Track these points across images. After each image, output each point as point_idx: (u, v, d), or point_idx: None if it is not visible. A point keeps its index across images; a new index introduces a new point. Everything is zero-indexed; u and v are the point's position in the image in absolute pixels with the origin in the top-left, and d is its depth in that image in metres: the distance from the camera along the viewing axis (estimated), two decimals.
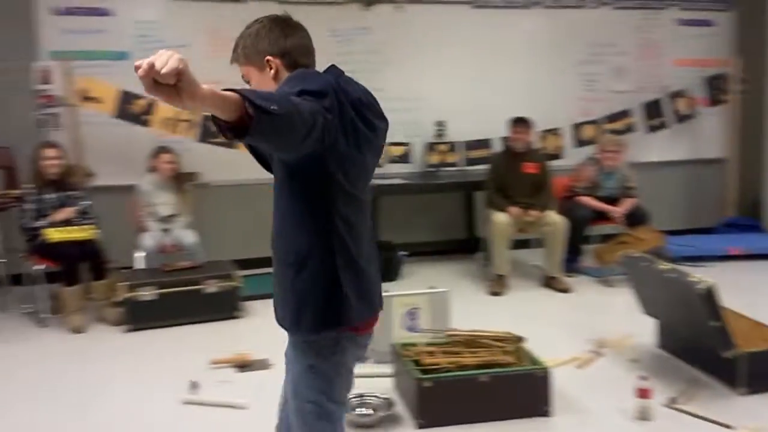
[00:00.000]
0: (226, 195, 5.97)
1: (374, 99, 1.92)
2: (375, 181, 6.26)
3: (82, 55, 5.45)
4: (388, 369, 3.64)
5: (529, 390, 3.21)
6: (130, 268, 5.01)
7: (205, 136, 5.38)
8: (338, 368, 1.87)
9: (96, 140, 5.47)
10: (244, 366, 3.88)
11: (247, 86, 1.89)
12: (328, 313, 1.79)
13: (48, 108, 5.48)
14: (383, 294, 2.01)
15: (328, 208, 1.77)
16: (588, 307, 4.97)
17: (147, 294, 4.58)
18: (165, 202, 5.19)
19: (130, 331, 4.54)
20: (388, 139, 5.33)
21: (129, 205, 5.30)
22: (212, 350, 4.07)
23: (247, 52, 1.88)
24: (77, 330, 4.55)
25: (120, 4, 5.57)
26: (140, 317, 4.56)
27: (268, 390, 3.53)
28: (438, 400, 3.12)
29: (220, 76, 6.09)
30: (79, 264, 4.67)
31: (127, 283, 4.57)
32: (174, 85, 1.30)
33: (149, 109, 5.24)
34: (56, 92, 5.43)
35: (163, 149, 5.18)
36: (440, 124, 6.22)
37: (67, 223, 4.74)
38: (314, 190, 1.77)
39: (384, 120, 1.95)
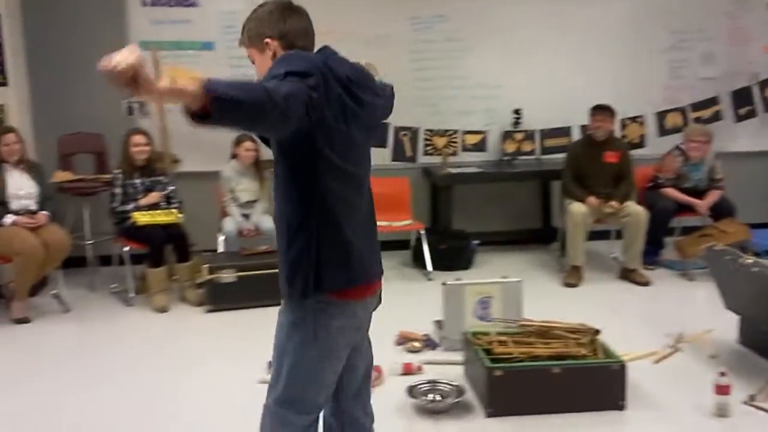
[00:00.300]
0: None
1: (365, 75, 2.01)
2: (450, 170, 6.19)
3: (169, 45, 5.68)
4: (458, 357, 3.66)
5: (603, 383, 3.16)
6: (213, 251, 5.19)
7: None
8: (319, 332, 1.95)
9: (181, 128, 5.65)
10: None
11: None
12: (315, 279, 1.90)
13: (140, 97, 5.72)
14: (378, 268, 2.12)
15: (317, 182, 1.88)
16: (667, 300, 4.83)
17: (227, 276, 4.74)
18: (245, 188, 5.34)
19: (210, 311, 4.72)
20: (464, 127, 5.37)
21: (212, 190, 5.50)
22: None
23: (250, 34, 1.99)
24: (161, 310, 4.76)
25: None
26: (220, 298, 4.73)
27: None
28: (508, 389, 3.11)
29: None
30: (164, 246, 4.88)
31: (209, 265, 4.74)
32: (133, 80, 1.47)
33: None
34: None
35: (244, 137, 5.33)
36: (517, 112, 6.15)
37: (153, 207, 4.96)
38: (304, 165, 1.87)
39: (380, 96, 2.06)
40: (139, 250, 4.93)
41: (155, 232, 4.81)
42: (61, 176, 5.25)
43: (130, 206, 4.89)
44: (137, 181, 4.96)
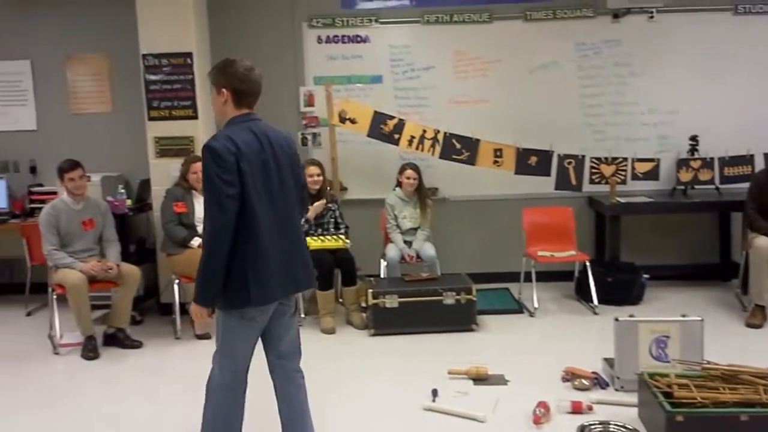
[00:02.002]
0: (464, 209, 6.12)
1: (256, 135, 2.68)
2: (618, 199, 5.93)
3: (341, 80, 5.98)
4: (632, 398, 3.47)
5: None
6: (376, 276, 5.33)
7: (447, 154, 5.57)
8: None
9: (350, 157, 5.94)
10: (480, 379, 3.94)
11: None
12: None
13: (311, 128, 6.06)
14: None
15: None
16: None
17: (390, 302, 4.84)
18: (408, 215, 5.46)
19: (374, 335, 4.83)
20: (633, 155, 5.05)
21: (376, 217, 5.67)
22: (449, 360, 4.18)
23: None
24: (329, 331, 4.95)
25: (376, 30, 5.99)
26: (383, 323, 4.84)
27: (505, 405, 3.58)
28: None
29: (463, 93, 6.34)
30: (333, 270, 5.08)
31: (373, 290, 4.87)
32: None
33: (398, 129, 5.56)
34: (318, 114, 6.00)
35: (407, 166, 5.46)
36: (694, 139, 5.80)
37: (323, 232, 5.19)
38: None
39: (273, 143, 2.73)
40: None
41: (325, 256, 5.02)
42: None
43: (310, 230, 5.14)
44: (309, 207, 5.21)
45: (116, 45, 5.92)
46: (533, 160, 5.60)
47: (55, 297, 4.77)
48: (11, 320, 5.49)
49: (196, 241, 4.89)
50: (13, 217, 5.77)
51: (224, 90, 2.67)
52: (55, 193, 5.22)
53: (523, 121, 5.96)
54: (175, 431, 3.44)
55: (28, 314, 5.62)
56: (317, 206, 5.16)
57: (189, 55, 5.25)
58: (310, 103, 6.05)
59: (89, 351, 4.56)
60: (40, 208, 5.00)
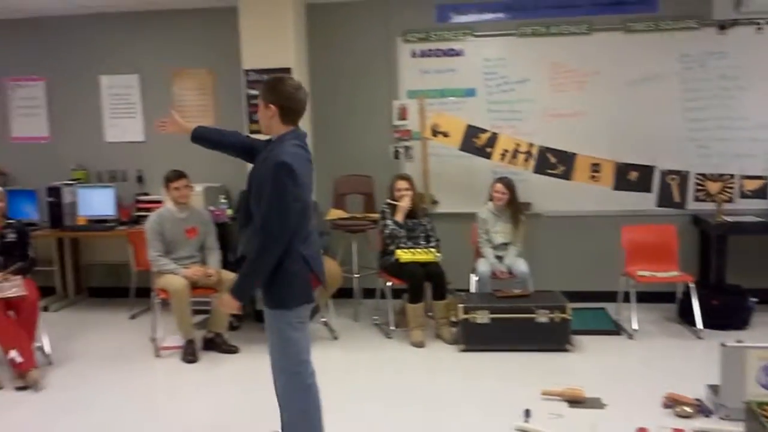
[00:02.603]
0: (559, 225, 5.98)
1: (304, 150, 2.92)
2: (725, 218, 5.68)
3: (434, 93, 5.99)
4: (738, 427, 3.28)
5: None
6: (467, 290, 5.29)
7: (541, 168, 5.46)
8: None
9: (441, 171, 5.94)
10: (576, 402, 3.82)
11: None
12: None
13: (403, 141, 6.10)
14: None
15: None
16: None
17: (481, 317, 4.78)
18: (500, 230, 5.39)
19: (464, 350, 4.79)
20: (741, 172, 4.84)
21: (466, 231, 5.63)
22: (542, 381, 4.09)
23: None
24: (418, 345, 4.94)
25: (470, 44, 5.97)
26: (474, 339, 4.78)
27: (602, 431, 3.45)
28: None
29: (559, 106, 6.22)
30: (423, 283, 5.07)
31: (463, 305, 4.83)
32: None
33: (491, 143, 5.51)
34: (411, 127, 6.03)
35: (501, 180, 5.40)
36: None
37: (414, 245, 5.20)
38: None
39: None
40: (400, 286, 5.19)
41: (415, 269, 5.02)
42: (335, 214, 5.75)
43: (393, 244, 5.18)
44: (400, 220, 5.24)
45: (219, 60, 6.16)
46: (633, 175, 5.41)
47: (158, 301, 4.99)
48: (116, 323, 5.78)
49: None
50: (121, 224, 6.09)
51: (272, 106, 2.87)
52: (160, 201, 5.47)
53: (622, 135, 5.79)
54: None
55: (132, 317, 5.90)
56: (404, 206, 5.18)
57: (288, 70, 5.40)
58: (402, 116, 6.09)
59: (189, 354, 4.74)
60: (145, 216, 5.25)
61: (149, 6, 6.15)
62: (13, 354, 4.23)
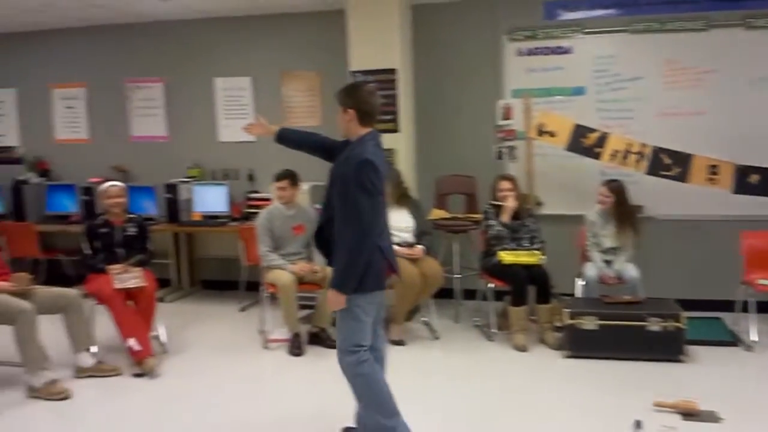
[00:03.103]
0: (672, 230, 5.72)
1: (380, 149, 3.18)
2: None
3: (540, 92, 5.87)
4: None
5: None
6: (572, 295, 5.15)
7: (655, 169, 5.23)
8: None
9: (547, 171, 5.81)
10: (689, 414, 3.64)
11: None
12: None
13: (507, 141, 6.02)
14: None
15: None
16: None
17: (587, 323, 4.63)
18: (609, 234, 5.21)
19: (569, 357, 4.66)
20: None
21: (573, 234, 5.48)
22: (654, 391, 3.92)
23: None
24: (521, 348, 4.85)
25: (579, 41, 5.82)
26: (580, 345, 4.65)
27: None
28: None
29: (673, 105, 5.93)
30: (526, 286, 4.98)
31: (569, 310, 4.70)
32: None
33: (600, 143, 5.33)
34: (515, 127, 5.94)
35: (607, 183, 5.22)
36: None
37: (517, 247, 5.11)
38: None
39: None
40: (502, 288, 5.12)
41: (518, 271, 4.94)
42: (437, 214, 5.74)
43: (496, 245, 5.11)
44: (505, 221, 5.17)
45: (326, 62, 6.30)
46: (755, 178, 5.09)
47: (266, 295, 5.16)
48: (227, 314, 6.02)
49: None
50: (233, 220, 6.34)
51: (349, 110, 3.10)
52: (269, 199, 5.66)
53: (742, 135, 5.46)
54: None
55: (242, 310, 6.13)
56: (510, 207, 5.12)
57: (393, 71, 5.45)
58: (507, 116, 6.00)
59: (295, 347, 4.87)
60: (255, 213, 5.44)
61: (262, 10, 6.37)
62: (132, 342, 4.48)
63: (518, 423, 3.68)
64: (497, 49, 6.00)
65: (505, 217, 5.14)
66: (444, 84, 6.15)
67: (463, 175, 6.00)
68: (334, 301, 3.06)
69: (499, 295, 5.35)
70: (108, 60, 6.99)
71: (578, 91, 5.83)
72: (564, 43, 5.85)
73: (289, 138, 3.47)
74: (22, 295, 4.25)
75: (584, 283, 5.11)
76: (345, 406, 3.43)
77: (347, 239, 2.98)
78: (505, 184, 5.22)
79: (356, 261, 2.99)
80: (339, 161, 3.13)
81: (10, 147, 7.38)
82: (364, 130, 3.11)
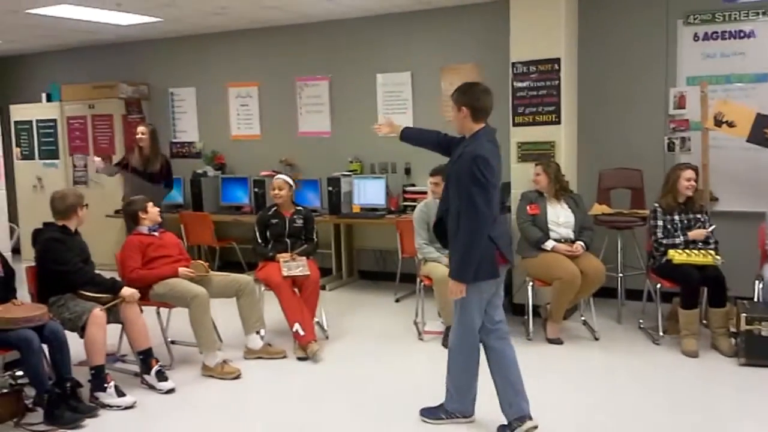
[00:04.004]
0: None
1: (494, 144, 3.36)
2: None
3: (718, 79, 5.45)
4: None
5: None
6: (750, 299, 4.73)
7: None
8: None
9: (723, 164, 5.37)
10: None
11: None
12: None
13: (679, 132, 5.65)
14: None
15: None
16: None
17: (767, 330, 4.26)
18: None
19: (745, 365, 4.31)
20: None
21: (753, 233, 5.02)
22: None
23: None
24: (690, 354, 4.55)
25: (763, 24, 5.34)
26: (757, 353, 4.29)
27: None
28: None
29: None
30: (699, 288, 4.66)
31: (746, 314, 4.33)
32: None
33: None
34: (689, 117, 5.56)
35: None
36: None
37: (690, 246, 4.78)
38: None
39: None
40: (671, 289, 4.82)
41: (690, 272, 4.62)
42: (599, 209, 5.51)
43: (668, 242, 4.81)
44: (676, 217, 4.86)
45: (486, 55, 6.25)
46: None
47: (422, 287, 5.23)
48: (383, 304, 6.18)
49: (549, 243, 4.91)
50: (389, 212, 6.49)
51: (464, 108, 3.31)
52: (425, 192, 5.72)
53: None
54: None
55: (397, 300, 6.26)
56: (699, 233, 4.81)
57: (557, 61, 5.29)
58: (680, 105, 5.63)
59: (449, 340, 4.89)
60: (411, 206, 5.53)
61: (424, 5, 6.44)
62: (297, 327, 4.72)
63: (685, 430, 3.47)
64: (670, 34, 5.64)
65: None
66: (609, 72, 5.88)
67: (629, 168, 5.70)
68: (455, 290, 3.28)
69: (666, 296, 5.03)
70: (279, 60, 7.40)
71: (761, 78, 5.34)
72: (746, 26, 5.38)
73: (411, 136, 3.81)
74: (199, 281, 4.62)
75: (763, 286, 4.67)
76: (496, 403, 3.41)
77: (464, 231, 3.21)
78: (690, 174, 4.84)
79: (473, 251, 3.21)
80: (455, 158, 3.38)
81: (190, 142, 8.05)
82: (477, 126, 3.34)
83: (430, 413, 3.66)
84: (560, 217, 5.01)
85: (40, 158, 8.49)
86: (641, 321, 5.21)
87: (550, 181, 5.03)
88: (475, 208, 3.17)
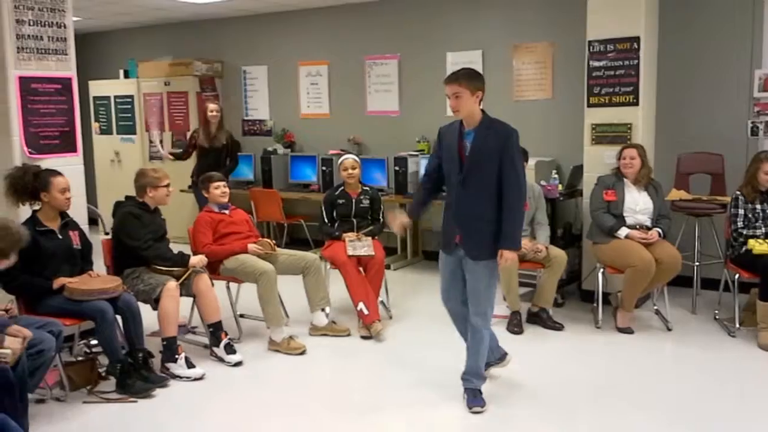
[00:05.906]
0: None
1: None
2: None
3: None
4: None
5: None
6: None
7: None
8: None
9: None
10: None
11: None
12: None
13: (763, 116, 5.36)
14: None
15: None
16: None
17: None
18: None
19: None
20: None
21: None
22: None
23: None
24: (767, 347, 4.35)
25: None
26: None
27: None
28: None
29: None
30: None
31: None
32: None
33: None
34: None
35: None
36: None
37: None
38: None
39: None
40: (750, 280, 4.60)
41: None
42: (676, 194, 5.29)
43: (749, 232, 4.59)
44: (758, 206, 4.63)
45: (561, 33, 6.07)
46: None
47: None
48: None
49: (623, 231, 4.75)
50: None
51: (479, 92, 3.46)
52: None
53: None
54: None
55: None
56: None
57: (636, 39, 5.07)
58: (765, 87, 5.34)
59: (514, 325, 4.83)
60: None
61: None
62: (361, 306, 4.74)
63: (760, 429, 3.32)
64: (756, 13, 5.33)
65: None
66: (690, 52, 5.61)
67: (710, 152, 5.45)
68: (511, 257, 3.45)
69: (743, 287, 4.81)
70: (349, 38, 7.39)
71: None
72: None
73: (417, 210, 3.93)
74: (266, 258, 4.69)
75: None
76: (564, 385, 3.34)
77: (513, 201, 3.40)
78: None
79: (521, 220, 3.55)
80: (477, 142, 3.44)
81: (261, 120, 8.16)
82: (479, 110, 3.50)
83: (474, 402, 3.64)
84: (638, 204, 4.83)
85: (118, 133, 8.77)
86: (717, 312, 5.00)
87: (643, 166, 4.85)
88: (520, 178, 3.42)
